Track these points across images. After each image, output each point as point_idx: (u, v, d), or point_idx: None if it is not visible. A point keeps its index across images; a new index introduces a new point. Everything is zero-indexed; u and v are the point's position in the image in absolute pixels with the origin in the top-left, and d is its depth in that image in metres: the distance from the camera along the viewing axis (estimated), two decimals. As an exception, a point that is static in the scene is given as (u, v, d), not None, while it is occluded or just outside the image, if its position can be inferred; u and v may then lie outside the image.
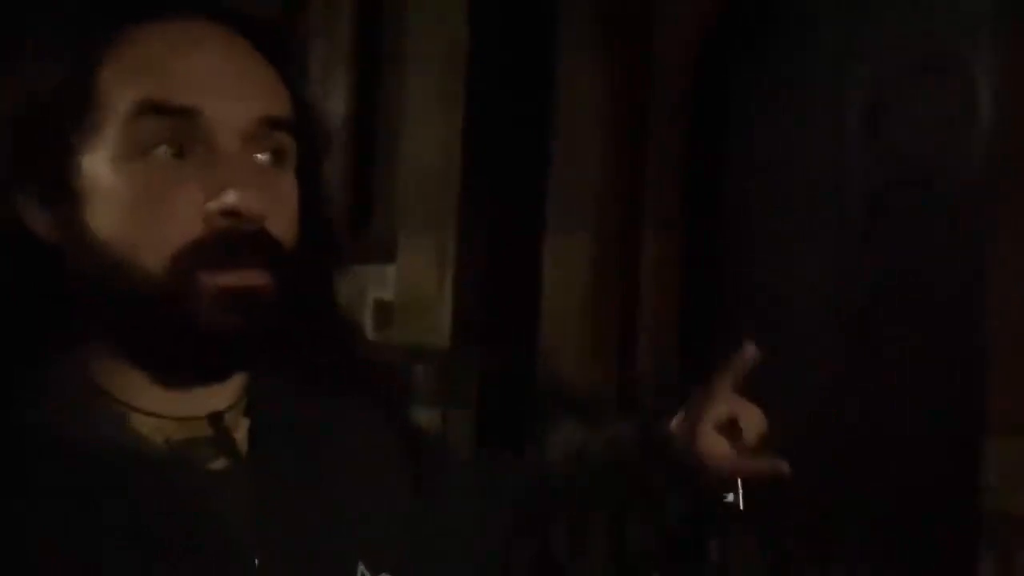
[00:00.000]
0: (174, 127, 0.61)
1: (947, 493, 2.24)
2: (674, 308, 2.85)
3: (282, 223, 0.64)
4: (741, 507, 0.92)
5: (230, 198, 0.60)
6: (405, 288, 3.10)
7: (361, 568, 0.69)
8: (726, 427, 0.92)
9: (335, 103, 4.19)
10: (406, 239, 3.11)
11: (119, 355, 0.63)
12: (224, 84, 0.62)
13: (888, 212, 2.48)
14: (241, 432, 0.68)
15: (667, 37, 2.80)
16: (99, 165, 0.61)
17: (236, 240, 0.61)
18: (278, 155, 0.65)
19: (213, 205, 0.60)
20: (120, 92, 0.61)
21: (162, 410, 0.64)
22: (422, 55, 3.04)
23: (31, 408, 0.61)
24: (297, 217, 0.66)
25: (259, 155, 0.64)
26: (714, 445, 0.91)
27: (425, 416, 2.83)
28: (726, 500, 0.92)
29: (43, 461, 0.59)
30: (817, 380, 2.53)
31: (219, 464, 0.65)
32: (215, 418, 0.66)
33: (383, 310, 3.41)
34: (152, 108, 0.60)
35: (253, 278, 0.61)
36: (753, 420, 0.92)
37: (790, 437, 0.93)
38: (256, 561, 0.63)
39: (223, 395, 0.66)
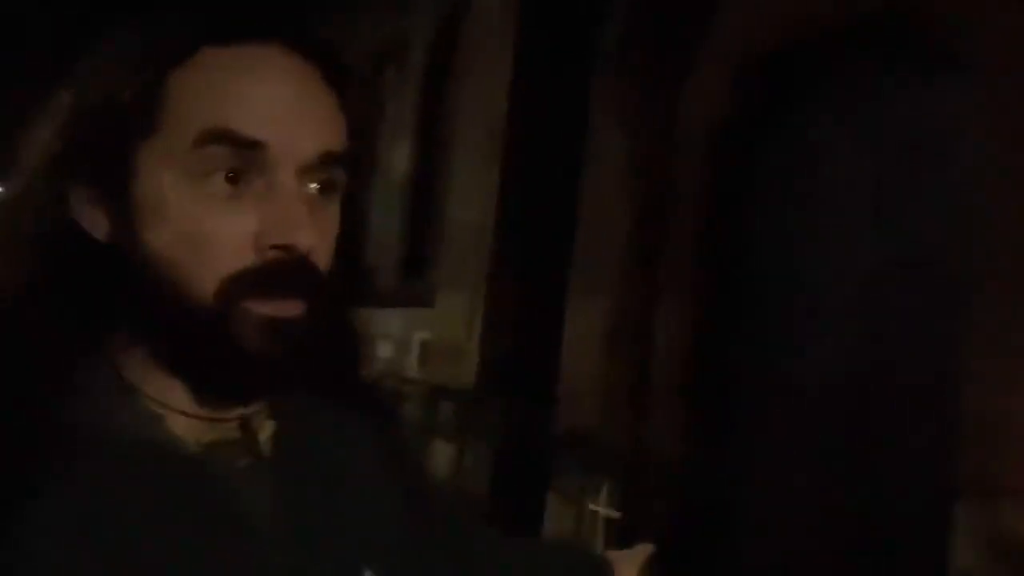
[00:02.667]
0: (238, 157, 0.60)
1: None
2: (687, 368, 3.03)
3: (324, 253, 0.65)
4: None
5: (286, 235, 0.60)
6: (439, 332, 3.37)
7: (367, 572, 0.70)
8: None
9: (399, 161, 4.54)
10: (444, 288, 3.39)
11: (159, 362, 0.64)
12: (290, 119, 0.62)
13: (884, 291, 2.57)
14: (265, 434, 0.69)
15: (688, 121, 2.98)
16: (159, 179, 0.61)
17: (284, 271, 0.61)
18: (328, 185, 0.65)
19: (267, 239, 0.60)
20: (189, 114, 0.60)
21: (194, 411, 0.64)
22: (468, 125, 3.35)
23: (68, 405, 0.60)
24: (335, 245, 0.67)
25: (312, 185, 0.64)
26: None
27: (445, 449, 3.07)
28: None
29: (80, 458, 0.58)
30: (817, 448, 2.65)
31: (244, 463, 0.66)
32: (245, 421, 0.67)
33: (426, 350, 3.69)
34: (220, 137, 0.60)
35: (292, 308, 0.62)
36: None
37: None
38: (275, 556, 0.65)
39: (253, 400, 0.67)
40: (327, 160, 0.63)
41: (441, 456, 3.05)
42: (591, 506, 2.70)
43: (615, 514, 2.76)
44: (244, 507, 0.64)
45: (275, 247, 0.60)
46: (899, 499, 2.42)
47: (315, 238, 0.62)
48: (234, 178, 0.60)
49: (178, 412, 0.64)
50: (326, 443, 0.73)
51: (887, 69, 2.58)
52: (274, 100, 0.62)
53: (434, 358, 3.47)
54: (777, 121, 2.90)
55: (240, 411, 0.66)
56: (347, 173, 0.67)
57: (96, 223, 0.62)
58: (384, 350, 4.21)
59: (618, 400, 3.04)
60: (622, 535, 2.75)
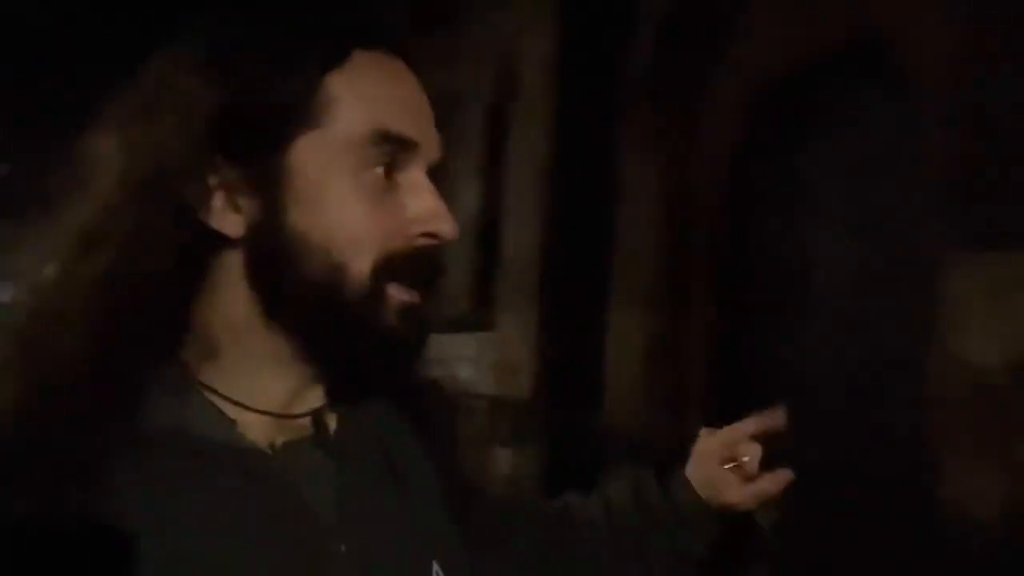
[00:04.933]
0: (394, 154, 0.62)
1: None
2: (714, 372, 3.32)
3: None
4: (765, 532, 0.93)
5: (434, 223, 0.62)
6: (500, 351, 3.77)
7: (436, 567, 0.69)
8: (731, 464, 0.92)
9: (469, 200, 4.98)
10: (502, 312, 3.80)
11: (294, 351, 0.61)
12: (429, 121, 0.65)
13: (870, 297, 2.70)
14: (331, 427, 0.68)
15: (705, 155, 3.29)
16: (318, 171, 0.60)
17: (427, 258, 0.63)
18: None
19: (417, 228, 0.62)
20: (354, 114, 0.61)
21: (267, 407, 0.63)
22: (522, 163, 3.76)
23: (145, 406, 0.58)
24: None
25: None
26: (725, 483, 0.91)
27: (504, 455, 3.46)
28: (755, 526, 0.93)
29: (149, 458, 0.57)
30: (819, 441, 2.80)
31: (313, 459, 0.65)
32: (317, 415, 0.66)
33: (492, 367, 4.07)
34: (385, 137, 0.61)
35: (419, 296, 0.63)
36: (751, 452, 0.92)
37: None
38: (343, 547, 0.63)
39: (318, 394, 0.66)
40: (442, 161, 0.67)
41: (502, 461, 3.43)
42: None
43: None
44: (312, 503, 0.63)
45: (424, 235, 0.63)
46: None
47: (455, 227, 0.64)
48: (388, 172, 0.62)
49: (253, 411, 0.63)
50: (384, 436, 0.72)
51: (873, 91, 2.75)
52: (420, 104, 0.65)
53: (498, 374, 3.85)
54: (783, 150, 3.11)
55: (311, 405, 0.66)
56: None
57: (229, 216, 0.60)
58: (462, 370, 4.64)
59: (658, 404, 3.35)
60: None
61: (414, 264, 0.63)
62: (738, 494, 0.91)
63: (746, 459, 0.91)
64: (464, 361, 4.77)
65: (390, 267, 0.62)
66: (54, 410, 0.55)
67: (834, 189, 2.93)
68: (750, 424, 0.93)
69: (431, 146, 0.66)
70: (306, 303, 0.61)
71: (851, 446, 2.67)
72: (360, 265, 0.61)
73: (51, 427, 0.54)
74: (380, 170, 0.63)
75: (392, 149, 0.63)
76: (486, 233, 4.63)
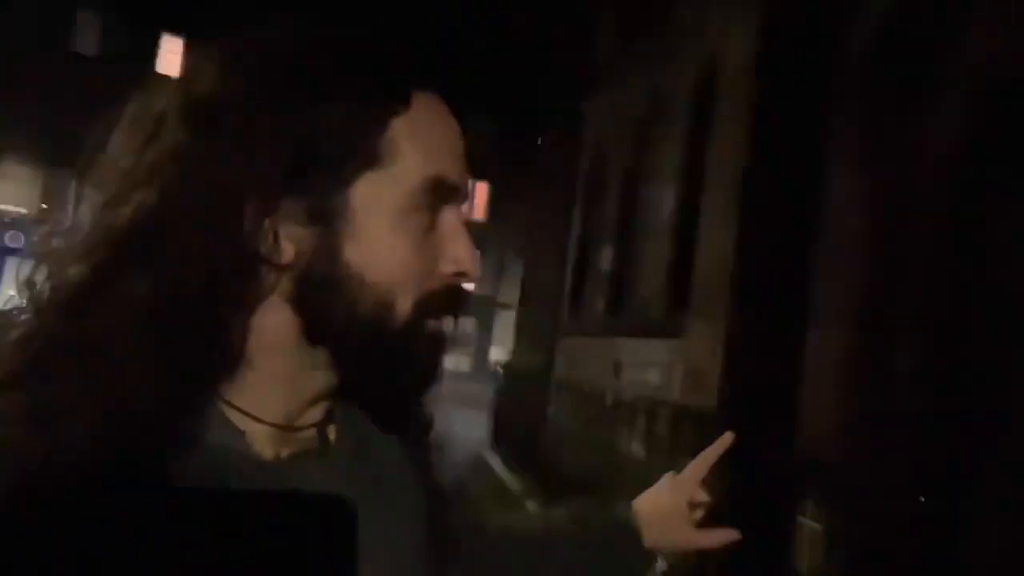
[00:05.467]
0: (444, 198, 0.66)
1: None
2: (924, 397, 3.10)
3: None
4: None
5: (464, 264, 0.67)
6: (689, 358, 3.71)
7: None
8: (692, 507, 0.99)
9: (665, 205, 4.93)
10: (695, 319, 3.73)
11: (323, 371, 0.65)
12: (463, 162, 0.68)
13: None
14: (332, 438, 0.71)
15: (918, 169, 3.08)
16: (376, 210, 0.64)
17: (456, 295, 0.68)
18: None
19: (451, 267, 0.66)
20: (414, 159, 0.64)
21: (275, 419, 0.66)
22: (716, 177, 3.68)
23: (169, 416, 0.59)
24: None
25: None
26: (684, 525, 0.99)
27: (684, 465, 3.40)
28: (661, 569, 1.00)
29: (168, 466, 0.58)
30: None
31: (318, 469, 0.68)
32: (321, 428, 0.69)
33: (679, 375, 4.03)
34: (440, 184, 0.65)
35: (447, 328, 0.68)
36: (704, 498, 1.00)
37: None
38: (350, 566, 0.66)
39: (321, 408, 0.70)
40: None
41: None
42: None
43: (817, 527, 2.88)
44: (314, 522, 0.65)
45: (456, 275, 0.67)
46: None
47: (479, 270, 0.69)
48: (431, 214, 0.66)
49: (262, 423, 0.65)
50: (376, 452, 0.75)
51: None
52: (460, 147, 0.69)
53: (685, 382, 3.81)
54: (1013, 161, 2.91)
55: (315, 419, 0.69)
56: None
57: (281, 244, 0.62)
58: (651, 376, 4.61)
59: (855, 428, 3.19)
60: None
61: (445, 301, 0.68)
62: (691, 535, 0.99)
63: (705, 500, 0.99)
64: (653, 367, 4.74)
65: (430, 304, 0.66)
66: (128, 445, 0.56)
67: None
68: (704, 463, 1.01)
69: (467, 188, 0.70)
70: (352, 333, 0.64)
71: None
72: (405, 301, 0.65)
73: (127, 463, 0.56)
74: (428, 213, 0.66)
75: (441, 196, 0.66)
76: (682, 236, 4.60)
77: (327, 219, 0.63)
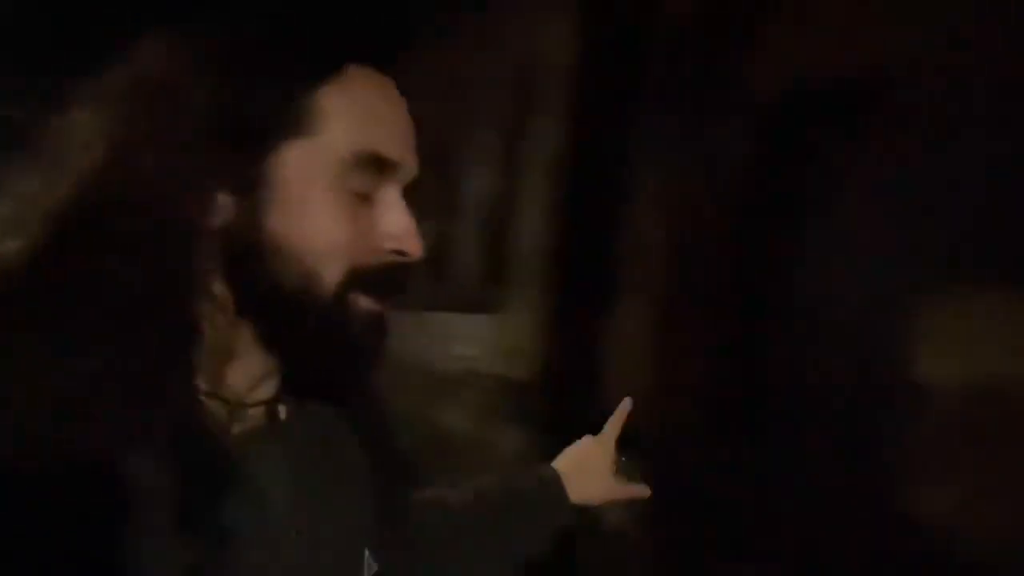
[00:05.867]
0: (379, 173, 0.64)
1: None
2: (712, 373, 3.47)
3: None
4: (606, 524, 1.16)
5: (405, 243, 0.65)
6: (507, 333, 3.93)
7: (367, 555, 0.74)
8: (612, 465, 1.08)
9: (480, 185, 5.11)
10: (510, 296, 3.96)
11: (258, 345, 0.63)
12: (409, 139, 0.67)
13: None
14: (282, 417, 0.71)
15: (717, 165, 3.47)
16: (303, 179, 0.61)
17: (394, 272, 0.66)
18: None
19: (390, 244, 0.65)
20: (343, 130, 0.62)
21: (225, 394, 0.65)
22: (532, 162, 3.89)
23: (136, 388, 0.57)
24: None
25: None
26: (606, 481, 1.08)
27: (510, 430, 3.63)
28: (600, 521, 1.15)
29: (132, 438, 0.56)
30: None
31: (269, 445, 0.68)
32: (271, 405, 0.68)
33: (497, 349, 4.25)
34: (372, 159, 0.63)
35: (383, 305, 0.66)
36: (619, 457, 1.10)
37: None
38: (294, 532, 0.67)
39: (273, 385, 0.69)
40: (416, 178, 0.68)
41: (510, 437, 3.61)
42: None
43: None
44: (263, 485, 0.66)
45: (393, 252, 0.66)
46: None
47: (422, 248, 0.66)
48: (367, 189, 0.64)
49: (212, 397, 0.64)
50: (328, 428, 0.75)
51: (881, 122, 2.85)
52: (404, 124, 0.68)
53: (505, 356, 4.02)
54: (802, 160, 3.17)
55: (266, 395, 0.68)
56: None
57: (208, 209, 0.60)
58: (467, 349, 4.81)
59: (654, 396, 3.51)
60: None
61: (381, 278, 0.66)
62: (614, 487, 1.08)
63: (623, 460, 1.07)
64: (474, 340, 4.94)
65: (358, 279, 0.65)
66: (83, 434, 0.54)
67: (839, 211, 2.99)
68: (615, 425, 1.07)
69: (410, 166, 0.69)
70: (276, 304, 0.62)
71: (835, 452, 2.81)
72: (331, 274, 0.63)
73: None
74: (363, 185, 0.65)
75: (380, 170, 0.65)
76: (499, 216, 4.82)
77: (251, 187, 0.61)
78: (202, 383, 0.65)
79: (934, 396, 2.13)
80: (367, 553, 0.74)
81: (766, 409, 3.41)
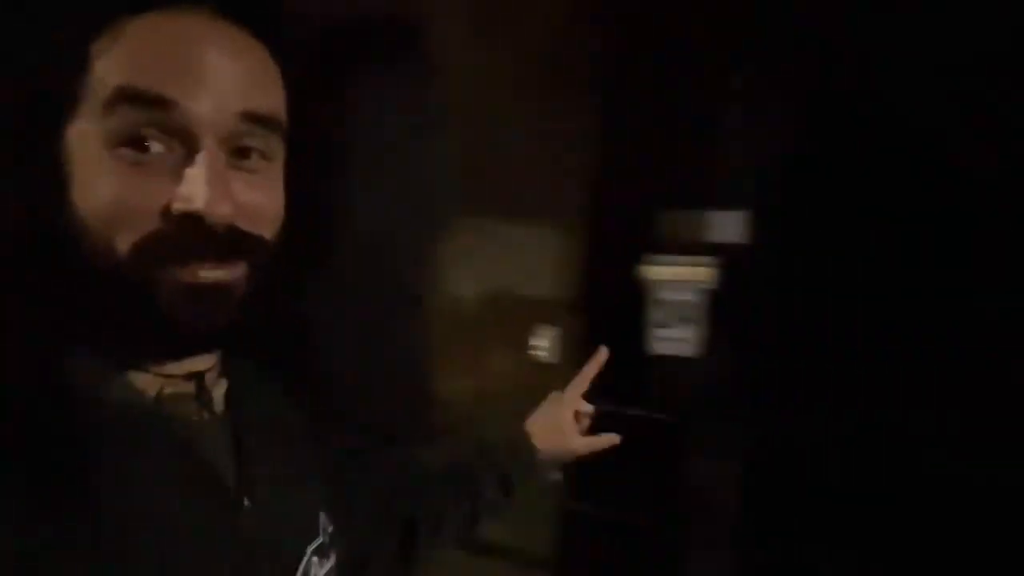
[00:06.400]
0: (149, 118, 0.55)
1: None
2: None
3: (260, 221, 0.61)
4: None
5: (189, 201, 0.56)
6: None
7: (322, 517, 0.72)
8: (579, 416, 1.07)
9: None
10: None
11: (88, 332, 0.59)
12: (205, 77, 0.56)
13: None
14: (219, 391, 0.68)
15: None
16: (81, 149, 0.56)
17: (199, 237, 0.57)
18: (261, 152, 0.61)
19: (177, 205, 0.56)
20: (102, 78, 0.56)
21: (152, 367, 0.62)
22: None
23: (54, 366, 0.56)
24: (282, 215, 0.63)
25: (240, 151, 0.59)
26: (574, 435, 1.05)
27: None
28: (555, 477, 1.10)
29: (48, 414, 0.54)
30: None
31: (201, 418, 0.65)
32: (197, 378, 0.65)
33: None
34: (127, 96, 0.55)
35: (220, 274, 0.58)
36: (589, 408, 1.08)
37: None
38: (245, 502, 0.63)
39: (204, 358, 0.65)
40: (252, 121, 0.59)
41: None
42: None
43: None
44: (204, 456, 0.62)
45: (183, 215, 0.56)
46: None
47: (229, 207, 0.57)
48: (143, 144, 0.56)
49: (137, 369, 0.61)
50: (273, 400, 0.73)
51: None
52: (187, 59, 0.56)
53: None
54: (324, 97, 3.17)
55: (192, 368, 0.64)
56: (283, 142, 0.63)
57: (42, 203, 0.57)
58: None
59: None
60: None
61: (184, 245, 0.57)
62: (580, 442, 1.06)
63: (590, 410, 1.08)
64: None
65: (154, 250, 0.57)
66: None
67: (370, 148, 3.16)
68: (588, 374, 1.06)
69: (212, 106, 0.57)
70: (85, 287, 0.58)
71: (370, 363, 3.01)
72: (118, 249, 0.56)
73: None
74: (133, 141, 0.57)
75: (145, 113, 0.56)
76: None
77: (46, 163, 0.56)
78: (114, 348, 0.61)
79: (461, 304, 2.65)
80: (320, 515, 0.72)
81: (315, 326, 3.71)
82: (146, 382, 0.62)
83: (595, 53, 2.45)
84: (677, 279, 2.72)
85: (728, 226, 2.67)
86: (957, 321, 1.99)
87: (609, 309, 2.45)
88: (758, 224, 2.60)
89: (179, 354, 0.63)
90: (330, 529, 0.72)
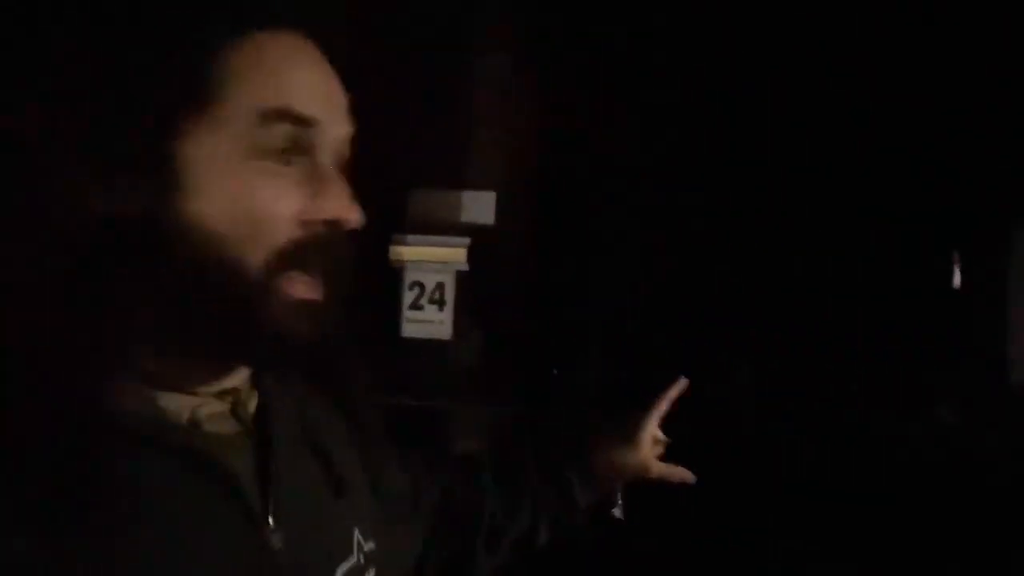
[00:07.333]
0: (294, 135, 0.60)
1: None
2: None
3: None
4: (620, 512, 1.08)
5: (338, 210, 0.60)
6: None
7: (356, 534, 0.72)
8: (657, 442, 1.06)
9: None
10: None
11: (169, 336, 0.59)
12: (333, 99, 0.63)
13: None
14: (251, 406, 0.67)
15: None
16: (210, 155, 0.58)
17: (330, 247, 0.61)
18: (344, 168, 0.65)
19: (319, 215, 0.60)
20: (246, 95, 0.58)
21: (185, 386, 0.62)
22: None
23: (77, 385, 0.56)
24: None
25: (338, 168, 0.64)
26: (649, 456, 1.05)
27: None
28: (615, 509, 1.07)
29: (78, 436, 0.54)
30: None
31: (233, 434, 0.65)
32: (235, 395, 0.65)
33: None
34: (278, 115, 0.59)
35: (320, 291, 0.61)
36: (662, 440, 1.07)
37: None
38: (271, 521, 0.63)
39: (240, 374, 0.65)
40: (351, 142, 0.64)
41: None
42: None
43: None
44: (232, 473, 0.62)
45: (326, 223, 0.60)
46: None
47: (362, 217, 0.62)
48: (286, 157, 0.59)
49: (170, 389, 0.61)
50: (305, 414, 0.72)
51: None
52: (321, 83, 0.62)
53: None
54: None
55: (229, 384, 0.64)
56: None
57: (115, 198, 0.57)
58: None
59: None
60: None
61: (321, 254, 0.61)
62: (656, 467, 1.06)
63: (663, 439, 1.08)
64: None
65: (291, 257, 0.60)
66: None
67: None
68: (661, 403, 1.07)
69: (336, 127, 0.63)
70: (193, 297, 0.58)
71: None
72: (254, 255, 0.58)
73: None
74: (277, 154, 0.60)
75: (291, 130, 0.60)
76: None
77: (151, 169, 0.57)
78: (151, 368, 0.61)
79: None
80: (356, 532, 0.72)
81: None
82: (179, 403, 0.62)
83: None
84: (429, 259, 2.71)
85: (480, 207, 2.70)
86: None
87: (359, 291, 2.41)
88: (508, 205, 2.65)
89: (272, 364, 0.65)
90: (368, 548, 0.73)
